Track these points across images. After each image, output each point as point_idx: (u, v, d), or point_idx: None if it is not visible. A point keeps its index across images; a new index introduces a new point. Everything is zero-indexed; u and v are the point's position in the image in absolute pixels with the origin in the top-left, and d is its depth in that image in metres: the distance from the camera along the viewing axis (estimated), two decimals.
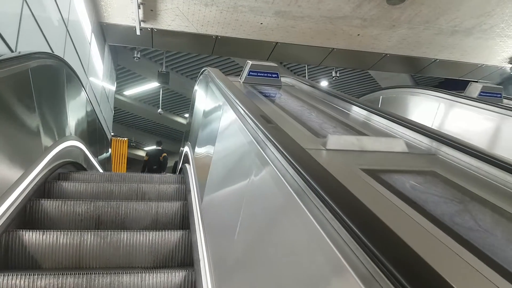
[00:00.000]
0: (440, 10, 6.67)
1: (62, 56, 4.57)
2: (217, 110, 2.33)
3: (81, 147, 4.01)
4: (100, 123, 6.32)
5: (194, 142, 3.25)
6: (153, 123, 16.18)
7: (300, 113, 2.08)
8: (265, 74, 2.94)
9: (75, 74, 3.93)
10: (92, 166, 5.02)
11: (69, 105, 3.55)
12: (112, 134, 18.24)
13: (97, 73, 7.05)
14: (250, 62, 2.94)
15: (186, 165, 3.53)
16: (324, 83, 11.65)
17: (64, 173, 3.32)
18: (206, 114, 2.77)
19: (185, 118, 15.23)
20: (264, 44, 7.79)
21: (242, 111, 1.59)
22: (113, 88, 9.54)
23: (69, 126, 3.58)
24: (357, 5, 6.43)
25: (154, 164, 9.26)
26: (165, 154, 9.56)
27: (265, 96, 2.45)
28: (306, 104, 2.28)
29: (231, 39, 7.53)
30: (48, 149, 2.89)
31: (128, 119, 15.69)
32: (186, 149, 3.86)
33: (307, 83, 2.74)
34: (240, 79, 3.05)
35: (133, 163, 23.09)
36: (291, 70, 11.06)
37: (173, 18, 6.78)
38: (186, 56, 10.23)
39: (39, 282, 1.69)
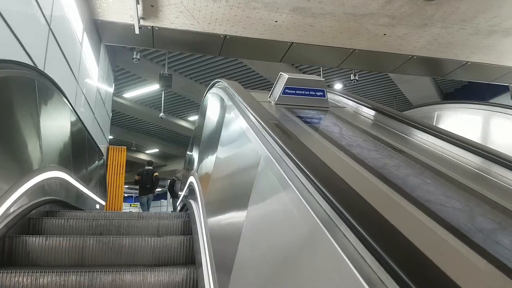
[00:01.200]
0: (480, 8, 5.84)
1: (43, 61, 3.79)
2: (245, 147, 1.54)
3: (63, 176, 3.23)
4: (93, 140, 5.50)
5: (205, 179, 2.45)
6: (155, 126, 15.40)
7: (391, 170, 1.28)
8: (306, 92, 2.13)
9: (55, 86, 3.14)
10: (80, 197, 4.23)
11: (44, 126, 2.76)
12: (111, 137, 17.46)
13: (91, 76, 6.26)
14: (285, 76, 2.07)
15: (192, 203, 2.73)
16: (338, 86, 10.83)
17: (36, 218, 2.54)
18: (226, 146, 1.98)
19: (189, 122, 14.44)
20: (277, 45, 6.98)
21: (303, 180, 0.83)
22: (110, 90, 8.75)
23: (44, 154, 2.79)
24: (386, 1, 5.61)
25: (147, 184, 9.79)
26: (156, 174, 10.05)
27: (314, 127, 1.64)
28: (386, 145, 1.48)
29: (241, 38, 6.72)
30: (8, 192, 2.11)
31: (129, 122, 14.92)
32: (192, 179, 3.07)
33: (370, 106, 1.90)
34: (270, 97, 2.19)
35: (133, 166, 22.35)
36: (303, 72, 10.24)
37: (176, 15, 5.97)
38: (190, 57, 9.43)
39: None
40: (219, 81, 2.52)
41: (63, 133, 3.61)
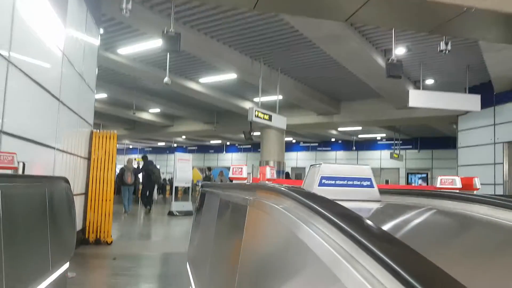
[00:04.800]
0: None
1: None
2: None
3: None
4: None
5: None
6: (158, 86, 12.92)
7: None
8: (349, 182, 1.11)
9: None
10: None
11: None
12: (104, 95, 14.98)
13: (45, 41, 3.81)
14: (321, 167, 1.07)
15: None
16: (401, 51, 8.14)
17: None
18: None
19: (200, 84, 11.92)
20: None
21: None
22: (94, 47, 6.28)
23: None
24: None
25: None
26: None
27: None
28: None
29: None
30: None
31: (127, 80, 12.44)
32: None
33: None
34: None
35: (134, 125, 20.16)
36: (364, 35, 7.56)
37: None
38: (204, 6, 6.79)
39: None
40: None
41: None
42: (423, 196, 1.44)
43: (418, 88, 11.20)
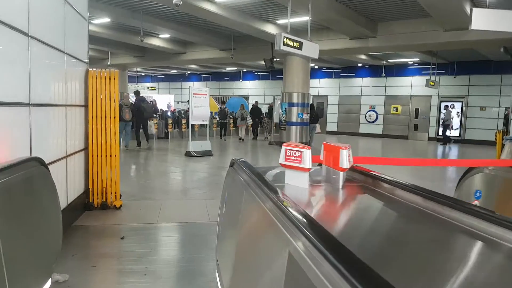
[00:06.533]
0: None
1: None
2: None
3: None
4: None
5: None
6: (168, 8, 11.22)
7: None
8: None
9: None
10: None
11: None
12: (107, 20, 13.26)
13: None
14: None
15: None
16: None
17: None
18: None
19: (216, 4, 10.17)
20: None
21: None
22: None
23: None
24: None
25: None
26: None
27: None
28: None
29: None
30: None
31: (131, 0, 10.75)
32: None
33: None
34: None
35: (145, 52, 18.55)
36: None
37: None
38: None
39: None
40: None
41: None
42: None
43: (476, 5, 9.29)
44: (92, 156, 4.74)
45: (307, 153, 1.79)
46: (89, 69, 4.84)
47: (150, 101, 15.92)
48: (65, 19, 4.02)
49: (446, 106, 18.11)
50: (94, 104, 4.73)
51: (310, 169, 1.80)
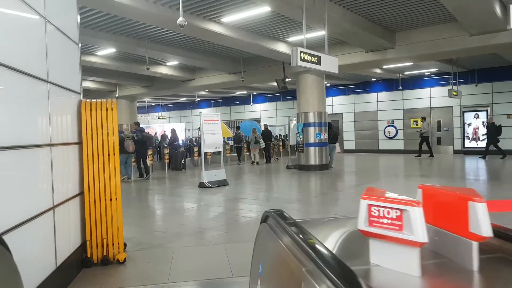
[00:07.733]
0: None
1: None
2: None
3: None
4: None
5: None
6: (174, 33, 10.72)
7: None
8: None
9: None
10: None
11: None
12: (113, 50, 12.78)
13: None
14: None
15: None
16: None
17: None
18: None
19: (223, 25, 9.61)
20: None
21: None
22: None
23: None
24: None
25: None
26: None
27: None
28: None
29: None
30: None
31: (136, 29, 10.29)
32: None
33: None
34: None
35: (154, 81, 18.13)
36: None
37: None
38: None
39: None
40: None
41: None
42: None
43: (505, 6, 8.52)
44: (89, 201, 3.99)
45: (416, 213, 0.99)
46: (83, 99, 4.16)
47: (153, 133, 15.92)
48: (50, 42, 3.36)
49: (424, 118, 17.13)
50: (90, 141, 4.01)
51: (424, 243, 0.99)
